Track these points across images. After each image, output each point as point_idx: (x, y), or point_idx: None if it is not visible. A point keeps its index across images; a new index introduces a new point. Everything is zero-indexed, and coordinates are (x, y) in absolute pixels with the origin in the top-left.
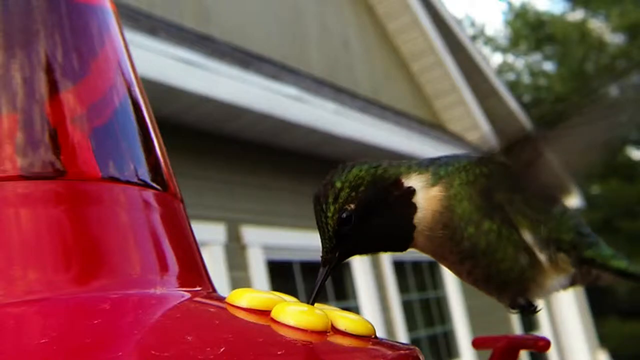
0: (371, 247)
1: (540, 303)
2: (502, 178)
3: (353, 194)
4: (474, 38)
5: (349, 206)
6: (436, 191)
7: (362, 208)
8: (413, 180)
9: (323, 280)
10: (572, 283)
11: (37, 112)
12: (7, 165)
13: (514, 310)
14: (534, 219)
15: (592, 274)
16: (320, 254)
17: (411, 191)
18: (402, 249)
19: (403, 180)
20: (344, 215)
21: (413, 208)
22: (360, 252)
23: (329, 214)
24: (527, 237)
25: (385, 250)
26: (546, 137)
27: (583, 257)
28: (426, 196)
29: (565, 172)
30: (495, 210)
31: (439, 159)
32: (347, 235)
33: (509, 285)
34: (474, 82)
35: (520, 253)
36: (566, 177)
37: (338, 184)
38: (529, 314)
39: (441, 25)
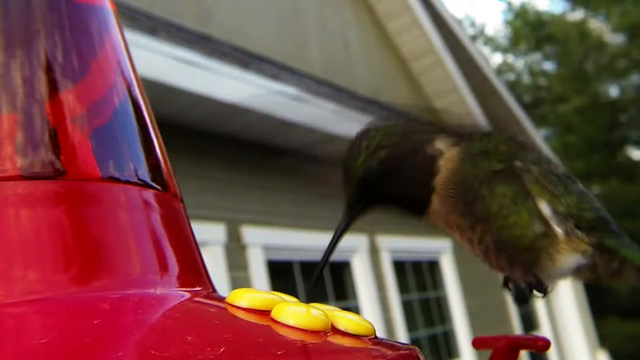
0: (392, 202)
1: (550, 283)
2: (521, 149)
3: (385, 145)
4: (474, 38)
5: (379, 155)
6: (455, 151)
7: (390, 160)
8: (440, 143)
9: (344, 229)
10: (591, 271)
11: (37, 112)
12: (7, 165)
13: (523, 290)
14: (552, 191)
15: (613, 267)
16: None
17: (437, 153)
18: (420, 211)
19: (432, 141)
20: (374, 163)
21: (435, 169)
22: (382, 205)
23: (359, 161)
24: (544, 208)
25: (404, 209)
26: None
27: (604, 245)
28: (446, 156)
29: None
30: (513, 177)
31: (465, 127)
32: (373, 184)
33: (520, 255)
34: (474, 82)
35: (534, 221)
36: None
37: (372, 134)
38: (538, 293)
39: (441, 25)
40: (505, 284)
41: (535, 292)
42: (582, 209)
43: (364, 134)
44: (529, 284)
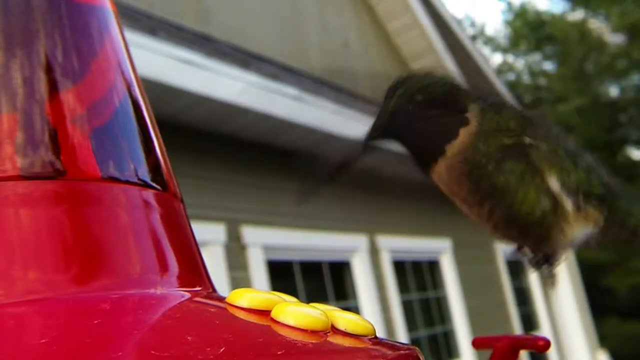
0: (407, 144)
1: (562, 256)
2: (530, 125)
3: (427, 91)
4: (474, 38)
5: (417, 97)
6: (476, 123)
7: (424, 107)
8: (471, 111)
9: (363, 150)
10: (603, 240)
11: (37, 112)
12: (7, 165)
13: (535, 263)
14: (561, 167)
15: (624, 234)
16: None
17: (461, 120)
18: (426, 166)
19: (464, 108)
20: (408, 101)
21: (452, 135)
22: (399, 140)
23: (398, 94)
24: (553, 183)
25: (414, 157)
26: None
27: (614, 215)
28: (468, 127)
29: None
30: (522, 154)
31: (489, 99)
32: (399, 120)
33: (530, 230)
34: (474, 82)
35: (543, 197)
36: None
37: (421, 75)
38: (549, 266)
39: (441, 25)
40: (520, 249)
41: (547, 264)
42: (591, 183)
43: (416, 76)
44: (541, 257)
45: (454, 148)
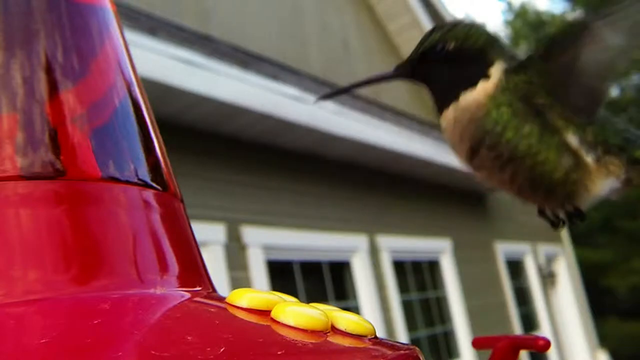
0: (430, 85)
1: (587, 209)
2: (543, 83)
3: (461, 40)
4: None
5: (450, 44)
6: (489, 85)
7: (452, 54)
8: (496, 68)
9: (385, 77)
10: (627, 186)
11: (37, 112)
12: (7, 165)
13: (561, 221)
14: (577, 123)
15: None
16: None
17: (484, 73)
18: (440, 108)
19: (493, 64)
20: (440, 45)
21: (471, 84)
22: (422, 81)
23: (433, 37)
24: (572, 140)
25: (433, 97)
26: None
27: (636, 162)
28: (482, 85)
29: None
30: (537, 115)
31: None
32: (427, 61)
33: (555, 189)
34: None
35: (564, 154)
36: (603, 80)
37: (458, 24)
38: (577, 221)
39: None
40: (541, 212)
41: (574, 220)
42: (608, 134)
43: (454, 24)
44: (568, 214)
45: (466, 99)
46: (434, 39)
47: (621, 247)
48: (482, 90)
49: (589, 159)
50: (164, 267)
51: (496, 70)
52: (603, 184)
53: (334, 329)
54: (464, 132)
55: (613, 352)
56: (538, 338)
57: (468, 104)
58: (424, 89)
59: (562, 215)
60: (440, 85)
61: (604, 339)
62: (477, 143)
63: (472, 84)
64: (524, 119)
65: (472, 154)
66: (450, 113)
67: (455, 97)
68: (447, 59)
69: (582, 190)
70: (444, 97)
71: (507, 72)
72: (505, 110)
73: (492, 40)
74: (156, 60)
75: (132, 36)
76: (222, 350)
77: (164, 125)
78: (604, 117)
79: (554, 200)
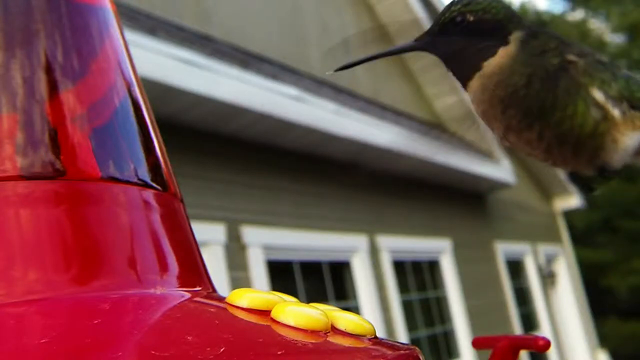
0: (449, 57)
1: (617, 167)
2: (567, 45)
3: (480, 12)
4: None
5: (470, 17)
6: (510, 48)
7: (472, 26)
8: (515, 35)
9: (405, 48)
10: None
11: (37, 112)
12: (7, 165)
13: (591, 180)
14: (601, 78)
15: None
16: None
17: (503, 41)
18: (464, 79)
19: (510, 33)
20: (460, 18)
21: (491, 53)
22: (441, 55)
23: (453, 9)
24: (597, 95)
25: (454, 70)
26: None
27: None
28: (503, 48)
29: None
30: (563, 70)
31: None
32: (447, 34)
33: (584, 142)
34: None
35: (592, 107)
36: None
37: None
38: (608, 178)
39: None
40: (572, 176)
41: (605, 177)
42: (633, 89)
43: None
44: (598, 169)
45: (490, 66)
46: (453, 11)
47: (621, 247)
48: (505, 53)
49: (616, 112)
50: (164, 267)
51: (515, 37)
52: (631, 138)
53: (334, 329)
54: (492, 97)
55: (613, 352)
56: (538, 338)
57: (492, 70)
58: (441, 62)
59: (592, 173)
60: (461, 57)
61: (604, 339)
62: (505, 105)
63: (493, 53)
64: (548, 74)
65: (502, 118)
66: (475, 82)
67: (478, 67)
68: (466, 31)
69: (611, 142)
70: (466, 69)
71: (527, 37)
72: (529, 65)
73: (511, 13)
74: (156, 60)
75: (132, 36)
76: (222, 350)
77: (164, 125)
78: (628, 74)
79: (583, 155)
